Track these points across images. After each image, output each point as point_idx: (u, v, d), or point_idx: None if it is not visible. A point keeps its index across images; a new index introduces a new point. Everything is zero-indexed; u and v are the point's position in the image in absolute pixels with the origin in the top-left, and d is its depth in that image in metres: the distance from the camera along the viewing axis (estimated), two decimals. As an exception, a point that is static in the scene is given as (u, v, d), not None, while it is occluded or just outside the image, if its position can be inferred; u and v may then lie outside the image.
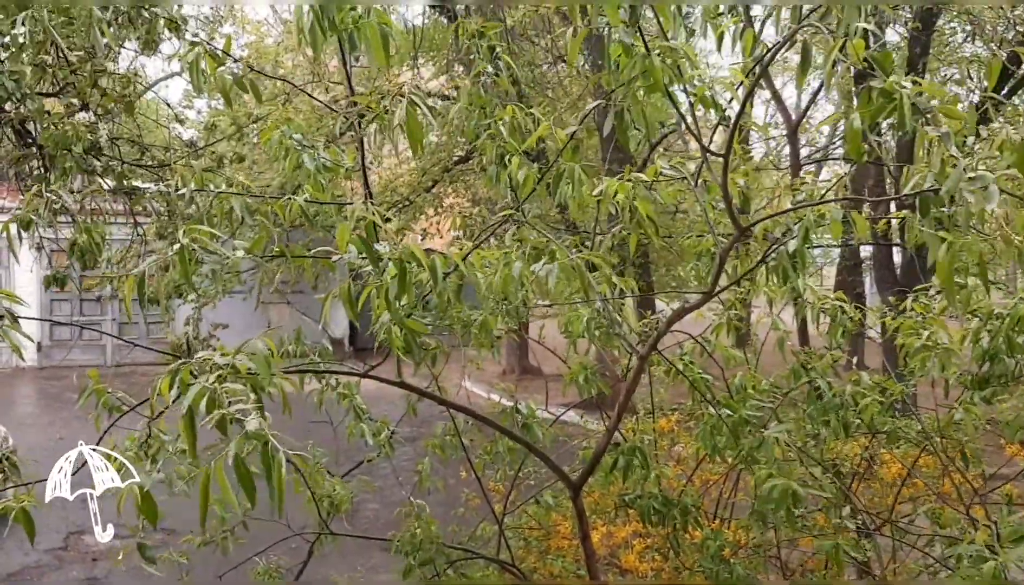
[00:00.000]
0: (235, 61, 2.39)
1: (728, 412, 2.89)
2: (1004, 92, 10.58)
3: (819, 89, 14.84)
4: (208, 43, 2.35)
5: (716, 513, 3.87)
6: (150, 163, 6.30)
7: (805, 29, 2.02)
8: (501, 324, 3.10)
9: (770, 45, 2.16)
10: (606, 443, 3.09)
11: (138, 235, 6.57)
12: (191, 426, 1.56)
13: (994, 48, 12.01)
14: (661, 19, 2.07)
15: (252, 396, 1.54)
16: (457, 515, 4.72)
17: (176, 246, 1.93)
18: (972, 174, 1.80)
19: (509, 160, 2.45)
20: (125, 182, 5.49)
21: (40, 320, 16.79)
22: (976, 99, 11.26)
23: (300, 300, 18.50)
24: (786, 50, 2.14)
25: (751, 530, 3.59)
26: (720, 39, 2.21)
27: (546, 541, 4.33)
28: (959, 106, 1.93)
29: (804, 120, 17.47)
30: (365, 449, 3.68)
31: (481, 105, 2.65)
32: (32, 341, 2.28)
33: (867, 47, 1.97)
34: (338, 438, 3.56)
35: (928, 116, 1.92)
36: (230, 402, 1.49)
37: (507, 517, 3.99)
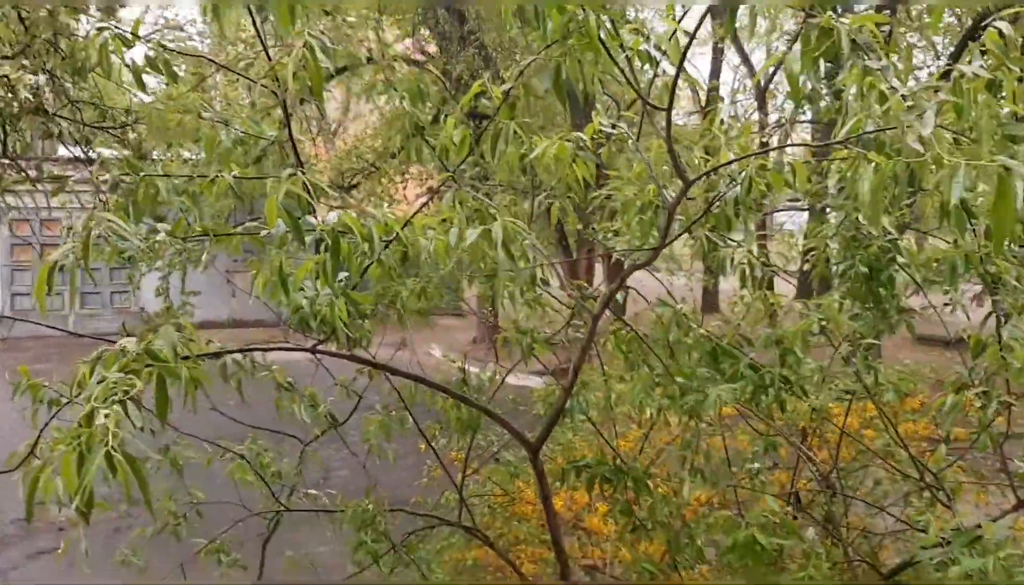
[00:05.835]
0: (146, 43, 2.33)
1: (681, 380, 2.86)
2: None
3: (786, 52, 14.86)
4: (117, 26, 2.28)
5: (671, 475, 3.92)
6: (111, 126, 6.17)
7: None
8: (441, 299, 3.11)
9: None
10: (563, 403, 3.13)
11: (100, 202, 6.45)
12: (89, 422, 1.58)
13: (959, 13, 12.08)
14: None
15: (138, 385, 1.62)
16: (421, 486, 4.77)
17: (84, 232, 1.81)
18: (911, 102, 1.77)
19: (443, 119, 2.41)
20: (88, 147, 5.39)
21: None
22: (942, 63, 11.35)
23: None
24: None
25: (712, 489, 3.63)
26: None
27: (510, 507, 4.39)
28: (926, 72, 1.92)
29: (771, 85, 17.50)
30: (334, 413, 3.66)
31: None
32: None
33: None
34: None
35: (868, 51, 1.91)
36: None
37: (470, 484, 4.03)
